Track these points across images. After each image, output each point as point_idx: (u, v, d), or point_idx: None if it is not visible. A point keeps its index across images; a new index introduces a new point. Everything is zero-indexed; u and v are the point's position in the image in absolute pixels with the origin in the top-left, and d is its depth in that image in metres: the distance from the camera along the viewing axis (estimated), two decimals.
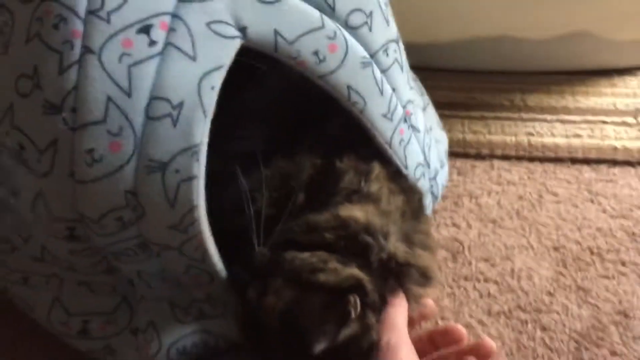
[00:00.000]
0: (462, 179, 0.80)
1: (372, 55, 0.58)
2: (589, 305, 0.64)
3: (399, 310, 0.55)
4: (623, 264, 0.68)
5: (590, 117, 0.87)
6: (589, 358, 0.60)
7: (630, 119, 0.85)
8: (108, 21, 0.45)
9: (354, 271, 0.54)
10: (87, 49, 0.44)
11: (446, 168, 0.76)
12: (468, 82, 0.95)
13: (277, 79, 0.64)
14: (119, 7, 0.45)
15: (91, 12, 0.45)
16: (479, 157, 0.83)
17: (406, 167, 0.63)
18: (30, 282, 0.59)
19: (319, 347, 0.51)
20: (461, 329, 0.59)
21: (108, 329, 0.59)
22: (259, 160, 0.60)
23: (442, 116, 0.84)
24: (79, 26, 0.44)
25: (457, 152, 0.83)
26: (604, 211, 0.74)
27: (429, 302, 0.62)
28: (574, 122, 0.86)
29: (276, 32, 0.51)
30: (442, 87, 0.92)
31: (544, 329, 0.63)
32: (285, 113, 0.67)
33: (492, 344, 0.58)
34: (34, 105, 0.46)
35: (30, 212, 0.50)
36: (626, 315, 0.63)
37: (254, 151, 0.62)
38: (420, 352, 0.56)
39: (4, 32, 0.47)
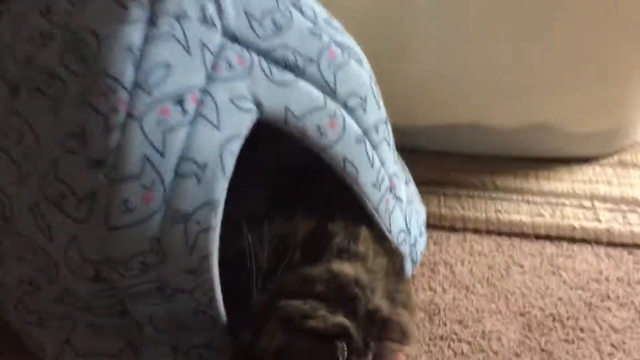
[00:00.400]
0: (438, 248, 0.87)
1: (365, 133, 0.66)
2: None
3: None
4: (581, 330, 0.75)
5: (551, 199, 0.95)
6: None
7: (586, 202, 0.94)
8: (150, 93, 0.53)
9: (341, 319, 0.59)
10: (130, 115, 0.52)
11: (424, 237, 0.83)
12: (444, 164, 1.03)
13: (277, 148, 0.73)
14: (159, 82, 0.53)
15: (136, 84, 0.53)
16: (453, 229, 0.91)
17: (390, 232, 0.71)
18: (44, 324, 0.64)
19: None
20: None
21: None
22: (263, 220, 0.67)
23: (420, 192, 0.92)
24: (124, 96, 0.52)
25: (434, 224, 0.91)
26: (565, 282, 0.82)
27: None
28: (537, 202, 0.94)
29: (286, 109, 0.60)
30: (421, 166, 1.00)
31: None
32: (283, 179, 0.74)
33: None
34: (79, 161, 0.53)
35: (63, 254, 0.56)
36: None
37: (256, 211, 0.69)
38: None
39: (56, 98, 0.55)
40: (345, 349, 0.57)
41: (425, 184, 0.97)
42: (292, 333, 0.58)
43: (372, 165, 0.67)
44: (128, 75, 0.53)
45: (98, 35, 0.54)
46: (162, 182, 0.53)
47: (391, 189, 0.71)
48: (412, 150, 1.02)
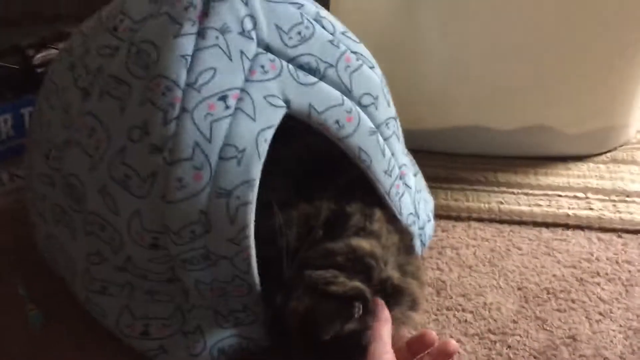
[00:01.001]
0: (445, 235, 0.97)
1: (377, 127, 0.77)
2: (545, 331, 0.79)
3: (384, 325, 0.68)
4: (573, 301, 0.84)
5: (548, 192, 1.04)
6: None
7: (580, 194, 1.03)
8: (199, 91, 0.65)
9: (357, 284, 0.69)
10: (184, 109, 0.64)
11: (432, 222, 0.94)
12: (450, 163, 1.14)
13: (301, 145, 0.84)
14: (207, 82, 0.65)
15: (188, 85, 0.65)
16: (458, 219, 1.00)
17: (400, 214, 0.81)
18: (107, 292, 0.75)
19: (329, 333, 0.65)
20: (432, 332, 0.69)
21: (165, 331, 0.74)
22: (291, 205, 0.77)
23: (429, 187, 1.01)
24: (179, 94, 0.64)
25: (441, 214, 1.01)
26: (559, 262, 0.91)
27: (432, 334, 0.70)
28: (535, 195, 1.04)
29: (310, 106, 0.71)
30: (429, 165, 1.10)
31: (509, 347, 0.77)
32: (306, 171, 0.85)
33: (455, 344, 0.69)
34: (142, 147, 0.65)
35: (126, 226, 0.68)
36: (574, 339, 0.77)
37: (284, 198, 0.80)
38: None
39: (122, 98, 0.68)
40: (361, 308, 0.67)
41: (433, 180, 1.07)
42: (317, 297, 0.68)
43: (383, 155, 0.78)
44: (182, 77, 0.65)
45: (157, 46, 0.67)
46: (209, 164, 0.65)
47: (401, 176, 0.82)
48: (423, 151, 1.13)
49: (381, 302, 0.71)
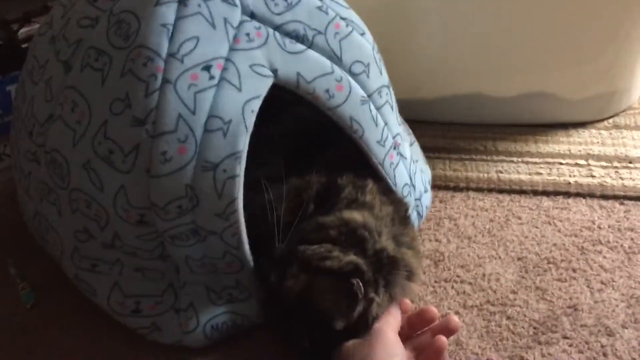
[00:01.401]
0: (443, 206, 0.95)
1: (369, 96, 0.75)
2: (545, 301, 0.78)
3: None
4: (574, 270, 0.82)
5: (549, 160, 1.02)
6: (545, 340, 0.72)
7: (582, 161, 1.01)
8: (182, 61, 0.63)
9: (352, 257, 0.68)
10: (166, 80, 0.62)
11: (430, 194, 0.92)
12: (449, 132, 1.11)
13: (289, 117, 0.82)
14: (190, 52, 0.63)
15: (170, 54, 0.63)
16: (457, 189, 0.98)
17: (395, 185, 0.79)
18: (97, 269, 0.74)
19: (340, 325, 0.65)
20: (433, 309, 0.69)
21: (156, 308, 0.73)
22: (281, 180, 0.76)
23: (427, 157, 1.00)
24: (161, 64, 0.62)
25: (439, 184, 0.99)
26: (559, 231, 0.89)
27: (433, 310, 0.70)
28: (535, 163, 1.02)
29: (298, 74, 0.69)
30: (427, 135, 1.09)
31: (508, 318, 0.76)
32: (296, 144, 0.83)
33: (457, 320, 0.68)
34: (124, 120, 0.63)
35: (112, 202, 0.66)
36: (575, 309, 0.76)
37: (274, 173, 0.78)
38: (402, 337, 0.67)
39: (103, 70, 0.65)
40: (361, 284, 0.65)
41: (431, 151, 1.05)
42: (312, 273, 0.67)
43: (376, 125, 0.76)
44: (163, 47, 0.63)
45: (137, 16, 0.64)
46: (194, 136, 0.63)
47: (395, 146, 0.80)
48: (420, 121, 1.12)
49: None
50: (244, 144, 0.65)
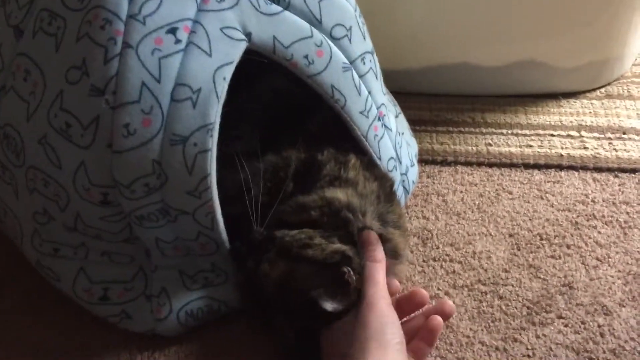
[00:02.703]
0: (430, 181, 0.90)
1: (351, 62, 0.70)
2: (539, 280, 0.74)
3: (379, 267, 0.63)
4: (568, 247, 0.79)
5: (540, 131, 0.98)
6: (539, 321, 0.69)
7: (574, 133, 0.97)
8: (144, 23, 0.57)
9: (337, 246, 0.63)
10: (127, 44, 0.56)
11: (416, 168, 0.87)
12: (435, 104, 1.06)
13: (265, 87, 0.76)
14: (152, 12, 0.57)
15: (131, 16, 0.56)
16: (445, 163, 0.94)
17: (380, 159, 0.74)
18: (59, 254, 0.68)
19: (331, 307, 0.60)
20: (423, 291, 0.66)
21: (126, 295, 0.68)
22: (258, 156, 0.70)
23: (413, 130, 0.95)
24: (120, 27, 0.56)
25: (426, 159, 0.94)
26: (552, 205, 0.85)
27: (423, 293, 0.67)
28: (526, 135, 0.97)
29: (274, 38, 0.63)
30: (413, 107, 1.03)
31: (500, 298, 0.72)
32: (272, 117, 0.77)
33: (451, 304, 0.65)
34: (82, 90, 0.57)
35: (71, 180, 0.60)
36: (570, 287, 0.73)
37: (250, 150, 0.72)
38: None
39: (57, 35, 0.59)
40: (352, 272, 0.61)
41: (417, 124, 1.01)
42: (292, 261, 0.62)
43: (359, 94, 0.71)
44: (123, 7, 0.57)
45: None
46: (160, 107, 0.57)
47: (380, 117, 0.75)
48: (405, 92, 1.06)
49: (375, 238, 0.65)
50: (215, 115, 0.59)
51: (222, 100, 0.59)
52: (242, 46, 0.61)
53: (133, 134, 0.57)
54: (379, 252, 0.64)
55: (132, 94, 0.56)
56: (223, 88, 0.59)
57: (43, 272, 0.70)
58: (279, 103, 0.77)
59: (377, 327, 0.57)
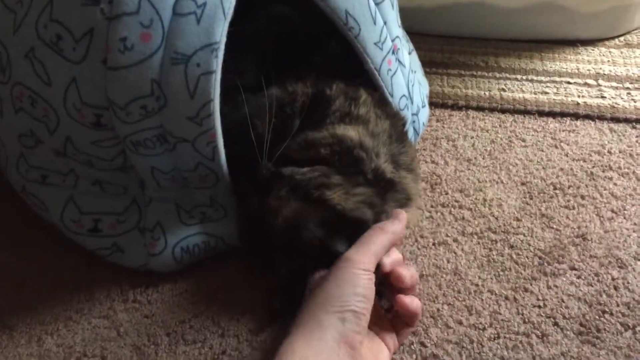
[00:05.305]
0: (440, 125, 0.86)
1: None
2: (551, 230, 0.71)
3: (384, 239, 0.56)
4: (582, 197, 0.75)
5: (556, 78, 0.94)
6: (551, 271, 0.66)
7: (591, 81, 0.93)
8: None
9: (361, 191, 0.60)
10: None
11: (427, 109, 0.83)
12: (448, 45, 1.02)
13: (270, 17, 0.71)
14: None
15: None
16: (455, 107, 0.90)
17: (392, 95, 0.70)
18: (47, 181, 0.64)
19: (344, 249, 0.56)
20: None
21: (118, 227, 0.64)
22: (261, 91, 0.65)
23: (424, 72, 0.91)
24: None
25: (437, 102, 0.90)
26: (566, 155, 0.81)
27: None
28: (541, 81, 0.93)
29: None
30: (424, 48, 0.99)
31: (511, 247, 0.69)
32: (274, 49, 0.72)
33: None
34: None
35: (61, 99, 0.55)
36: (584, 239, 0.70)
37: (253, 83, 0.67)
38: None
39: None
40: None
41: (428, 66, 0.96)
42: (307, 201, 0.58)
43: (374, 22, 0.65)
44: None
45: None
46: (161, 20, 0.52)
47: (394, 51, 0.70)
48: (417, 33, 1.01)
49: (403, 217, 0.60)
50: (221, 34, 0.54)
51: (228, 18, 0.54)
52: None
53: (130, 49, 0.51)
54: (397, 227, 0.58)
55: (130, 4, 0.51)
56: (230, 4, 0.54)
57: (29, 201, 0.66)
58: (284, 33, 0.71)
59: (333, 294, 0.52)
